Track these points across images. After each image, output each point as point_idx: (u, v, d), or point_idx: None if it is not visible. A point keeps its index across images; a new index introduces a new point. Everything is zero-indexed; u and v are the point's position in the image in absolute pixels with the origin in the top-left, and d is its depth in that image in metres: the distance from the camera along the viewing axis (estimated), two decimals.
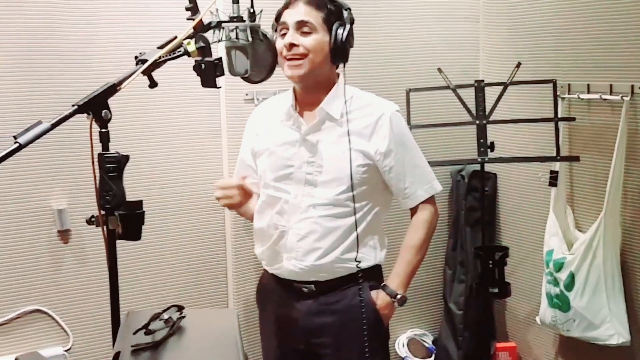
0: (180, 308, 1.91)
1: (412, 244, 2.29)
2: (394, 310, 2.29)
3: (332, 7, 2.14)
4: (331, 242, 2.17)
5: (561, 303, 2.78)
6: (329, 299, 2.22)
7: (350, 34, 2.14)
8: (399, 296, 2.23)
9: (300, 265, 2.18)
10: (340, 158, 2.14)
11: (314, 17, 2.10)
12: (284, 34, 2.11)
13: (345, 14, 2.14)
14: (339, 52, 2.13)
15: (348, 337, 2.21)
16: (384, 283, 2.26)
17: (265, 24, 1.99)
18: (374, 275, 2.27)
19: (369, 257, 2.24)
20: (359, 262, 2.18)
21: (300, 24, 2.09)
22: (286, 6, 2.15)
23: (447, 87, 2.92)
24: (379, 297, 2.24)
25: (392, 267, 2.26)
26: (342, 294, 2.21)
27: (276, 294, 2.30)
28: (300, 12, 2.10)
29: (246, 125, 2.39)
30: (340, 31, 2.11)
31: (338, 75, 2.24)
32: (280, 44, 2.11)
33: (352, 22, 2.15)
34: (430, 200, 2.30)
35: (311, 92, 2.20)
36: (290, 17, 2.11)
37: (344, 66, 2.19)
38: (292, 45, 2.09)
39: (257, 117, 2.37)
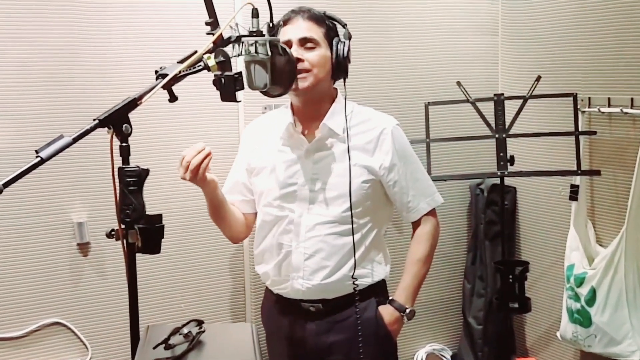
0: (199, 322, 1.92)
1: (418, 257, 2.28)
2: (403, 325, 2.28)
3: (330, 23, 2.17)
4: (338, 260, 2.16)
5: (582, 318, 2.75)
6: (337, 317, 2.21)
7: (350, 50, 2.16)
8: (407, 310, 2.23)
9: (307, 284, 2.17)
10: (345, 174, 2.13)
11: (316, 32, 2.13)
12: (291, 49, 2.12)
13: (343, 30, 2.17)
14: (341, 67, 2.15)
15: (359, 354, 2.19)
16: (391, 298, 2.26)
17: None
18: (380, 291, 2.27)
19: (377, 272, 2.24)
20: (356, 279, 2.16)
21: (304, 41, 2.12)
22: (285, 22, 2.16)
23: (467, 101, 2.91)
24: (388, 312, 2.23)
25: (397, 281, 2.26)
26: (350, 311, 2.20)
27: (282, 315, 2.28)
28: (302, 28, 2.13)
29: (241, 142, 2.38)
30: (341, 47, 2.13)
31: (336, 90, 2.24)
32: None
33: (349, 38, 2.17)
34: (432, 213, 2.31)
35: (310, 107, 2.20)
36: (294, 33, 2.12)
37: (345, 81, 2.19)
38: (298, 60, 2.10)
39: (252, 134, 2.36)
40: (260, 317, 2.47)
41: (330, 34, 2.15)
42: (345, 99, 2.19)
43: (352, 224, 2.14)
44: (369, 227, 2.20)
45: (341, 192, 2.14)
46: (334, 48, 2.13)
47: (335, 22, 2.18)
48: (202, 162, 2.00)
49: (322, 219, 2.16)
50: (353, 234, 2.14)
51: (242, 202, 2.35)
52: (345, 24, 2.18)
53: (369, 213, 2.20)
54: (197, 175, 2.01)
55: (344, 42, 2.14)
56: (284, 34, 2.14)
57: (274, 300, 2.31)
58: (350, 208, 2.13)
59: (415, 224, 2.31)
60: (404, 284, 2.26)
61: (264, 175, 2.24)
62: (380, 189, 2.21)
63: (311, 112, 2.21)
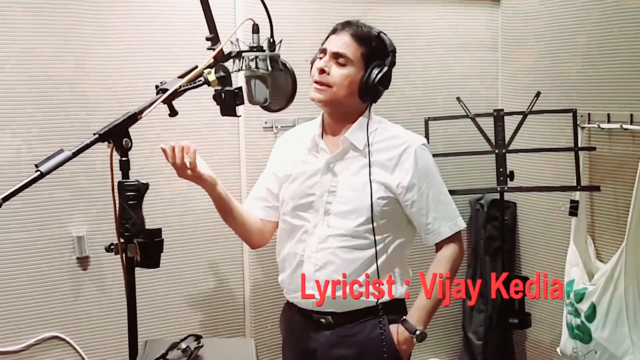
0: (198, 337, 1.91)
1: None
2: (413, 346, 2.25)
3: (376, 44, 2.14)
4: (348, 274, 2.15)
5: (582, 334, 2.74)
6: (347, 331, 2.20)
7: (386, 76, 2.13)
8: (417, 332, 2.19)
9: (317, 295, 2.17)
10: (361, 189, 2.13)
11: (353, 50, 2.11)
12: (322, 58, 2.15)
13: (389, 55, 2.14)
14: (368, 91, 2.13)
15: None
16: (404, 317, 2.24)
17: (285, 53, 2.00)
18: (393, 309, 2.25)
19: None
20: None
21: (337, 55, 2.12)
22: (334, 31, 2.17)
23: (466, 116, 2.92)
24: (398, 332, 2.21)
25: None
26: (360, 326, 2.19)
27: (297, 323, 2.30)
28: (340, 42, 2.12)
29: (273, 149, 2.42)
30: (375, 71, 2.11)
31: (368, 107, 2.24)
32: (316, 65, 2.14)
33: (392, 65, 2.15)
34: (456, 237, 2.28)
35: (337, 120, 2.21)
36: (332, 44, 2.14)
37: (370, 104, 2.19)
38: (321, 71, 2.11)
39: (283, 142, 2.39)
40: (279, 326, 2.50)
41: (373, 55, 2.13)
42: (369, 112, 2.21)
43: (375, 238, 2.15)
44: (384, 244, 2.19)
45: (356, 207, 2.14)
46: (368, 71, 2.11)
47: (385, 46, 2.15)
48: (182, 158, 2.07)
49: (335, 231, 2.16)
50: (376, 247, 2.15)
51: (264, 209, 2.38)
52: (394, 50, 2.15)
53: (385, 230, 2.18)
54: (184, 170, 2.08)
55: (381, 68, 2.12)
56: (327, 42, 2.16)
57: (289, 308, 2.35)
58: (372, 224, 2.13)
59: (438, 247, 2.28)
60: (418, 305, 2.23)
61: (287, 184, 2.27)
62: (398, 207, 2.19)
63: (337, 126, 2.22)
